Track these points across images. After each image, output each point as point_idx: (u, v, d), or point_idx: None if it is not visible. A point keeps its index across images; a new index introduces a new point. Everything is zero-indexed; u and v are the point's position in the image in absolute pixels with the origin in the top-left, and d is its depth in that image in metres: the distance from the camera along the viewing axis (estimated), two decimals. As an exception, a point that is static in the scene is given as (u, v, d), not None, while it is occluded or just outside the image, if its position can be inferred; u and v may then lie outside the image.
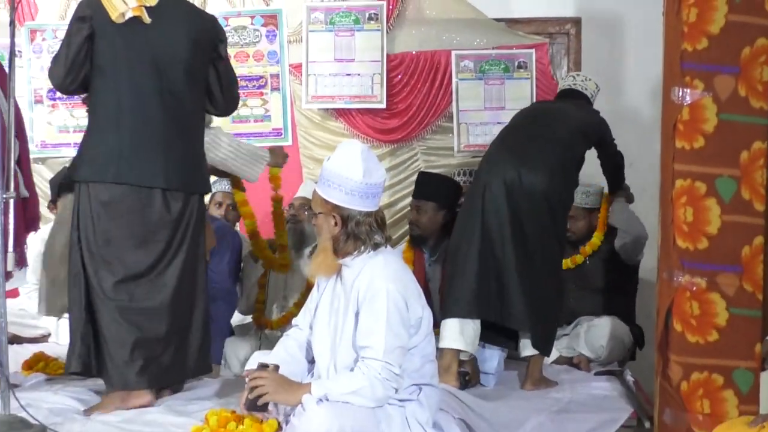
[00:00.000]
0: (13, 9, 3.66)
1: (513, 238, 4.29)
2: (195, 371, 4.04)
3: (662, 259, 3.67)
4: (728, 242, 3.54)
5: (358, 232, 3.27)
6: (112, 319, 3.78)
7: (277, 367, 3.26)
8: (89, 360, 3.84)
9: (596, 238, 5.27)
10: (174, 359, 3.90)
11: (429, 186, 4.96)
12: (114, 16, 3.78)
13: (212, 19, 4.15)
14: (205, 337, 4.02)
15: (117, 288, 3.79)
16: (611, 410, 4.17)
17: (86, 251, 3.82)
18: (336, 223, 3.27)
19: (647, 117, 5.03)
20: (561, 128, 4.53)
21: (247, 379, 3.28)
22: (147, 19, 3.81)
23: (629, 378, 4.64)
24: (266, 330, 5.06)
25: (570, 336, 5.10)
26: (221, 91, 4.07)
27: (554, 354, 4.93)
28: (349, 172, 3.24)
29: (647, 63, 5.78)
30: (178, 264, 3.90)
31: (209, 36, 3.99)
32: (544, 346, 4.40)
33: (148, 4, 3.82)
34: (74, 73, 3.85)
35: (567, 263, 5.18)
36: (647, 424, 4.06)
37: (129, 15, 3.80)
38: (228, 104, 4.16)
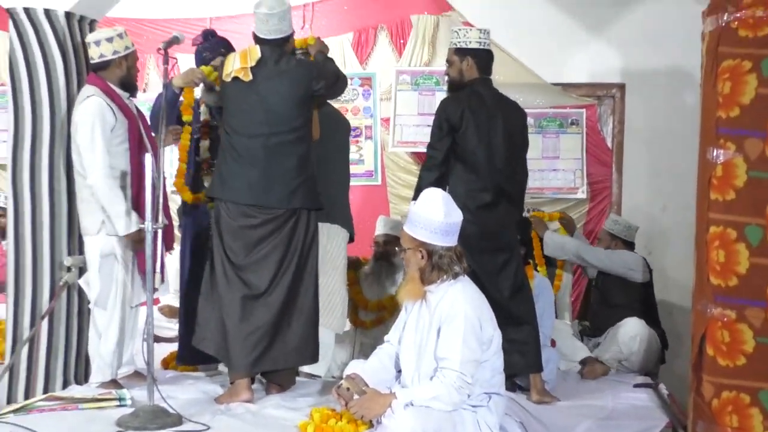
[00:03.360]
0: (166, 75, 3.78)
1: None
2: (296, 360, 4.02)
3: (697, 294, 3.57)
4: (755, 281, 3.41)
5: (441, 263, 3.27)
6: (234, 319, 3.84)
7: (353, 379, 3.31)
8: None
9: (557, 279, 5.35)
10: (278, 351, 3.91)
11: None
12: (224, 75, 3.97)
13: (306, 66, 4.08)
14: (306, 332, 3.97)
15: (241, 299, 3.86)
16: (649, 419, 4.07)
17: (220, 256, 3.92)
18: (422, 257, 3.28)
19: (681, 168, 4.94)
20: None
21: (335, 394, 3.32)
22: (248, 77, 3.90)
23: (664, 391, 4.53)
24: (361, 328, 4.98)
25: (603, 342, 5.05)
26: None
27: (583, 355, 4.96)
28: (432, 214, 3.25)
29: (682, 121, 5.71)
30: (288, 276, 3.93)
31: (306, 82, 3.98)
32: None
33: (250, 65, 3.90)
34: None
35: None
36: (680, 433, 3.96)
37: (233, 75, 3.92)
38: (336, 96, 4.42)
